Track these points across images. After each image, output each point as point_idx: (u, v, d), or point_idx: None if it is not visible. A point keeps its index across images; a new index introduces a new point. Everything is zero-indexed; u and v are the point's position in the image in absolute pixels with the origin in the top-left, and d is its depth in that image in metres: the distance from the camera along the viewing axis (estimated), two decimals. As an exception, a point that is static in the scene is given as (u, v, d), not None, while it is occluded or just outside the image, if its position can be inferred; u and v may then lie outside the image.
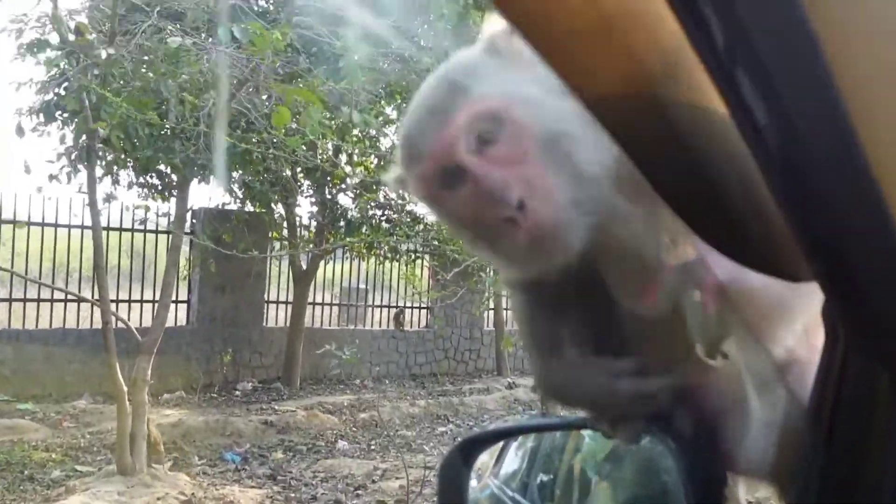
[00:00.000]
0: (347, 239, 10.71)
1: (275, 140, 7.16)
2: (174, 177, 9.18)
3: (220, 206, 11.43)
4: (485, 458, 1.40)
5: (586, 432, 1.30)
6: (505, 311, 13.78)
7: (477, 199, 0.92)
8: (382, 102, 9.97)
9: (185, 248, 10.97)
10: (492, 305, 13.90)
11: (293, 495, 7.34)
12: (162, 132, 7.47)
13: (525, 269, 0.99)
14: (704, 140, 0.70)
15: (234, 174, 9.91)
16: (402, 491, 6.77)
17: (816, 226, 0.65)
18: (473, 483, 1.33)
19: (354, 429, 10.03)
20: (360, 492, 7.48)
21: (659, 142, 0.71)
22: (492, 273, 7.80)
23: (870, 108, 0.59)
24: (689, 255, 0.94)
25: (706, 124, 0.68)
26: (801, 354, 0.93)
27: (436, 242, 8.56)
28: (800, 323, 0.94)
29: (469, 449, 1.07)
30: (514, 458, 1.40)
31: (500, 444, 1.40)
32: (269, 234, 12.09)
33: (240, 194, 11.22)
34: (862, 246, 0.65)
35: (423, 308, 14.33)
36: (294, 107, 5.97)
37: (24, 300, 10.96)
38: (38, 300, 10.97)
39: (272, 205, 11.35)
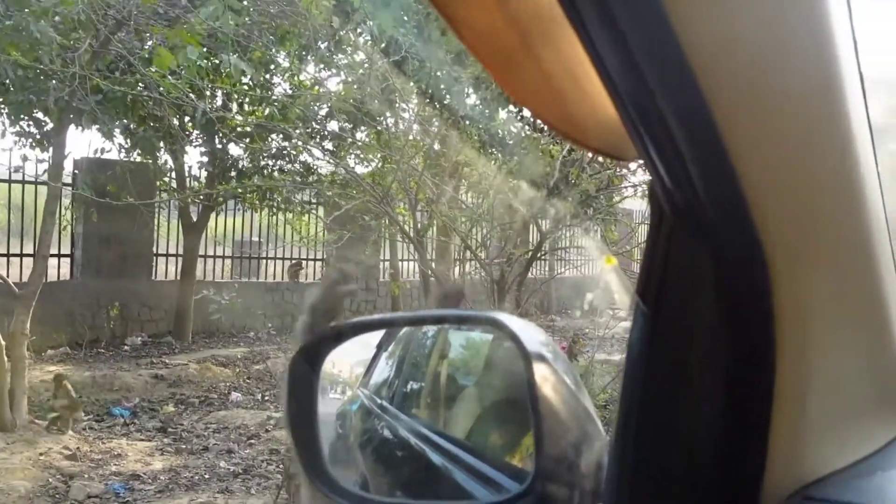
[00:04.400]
0: (235, 186, 10.46)
1: (160, 87, 6.91)
2: (51, 123, 8.79)
3: (100, 155, 10.97)
4: (356, 369, 1.40)
5: (452, 337, 1.31)
6: (400, 262, 13.79)
7: None
8: (273, 50, 9.73)
9: (67, 200, 10.58)
10: (387, 256, 13.89)
11: (184, 447, 7.25)
12: (36, 75, 7.11)
13: None
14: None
15: (117, 121, 9.53)
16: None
17: (642, 109, 0.66)
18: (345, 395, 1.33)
19: (248, 380, 9.94)
20: (252, 441, 7.44)
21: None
22: (386, 220, 7.79)
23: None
24: None
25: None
26: None
27: (329, 193, 8.48)
28: None
29: (314, 351, 1.06)
30: (384, 367, 1.40)
31: (371, 355, 1.40)
32: (156, 184, 11.72)
33: (123, 142, 10.80)
34: (684, 128, 0.67)
35: (319, 260, 14.22)
36: (174, 50, 5.76)
37: None
38: None
39: (158, 153, 11.00)
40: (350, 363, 1.37)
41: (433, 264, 6.93)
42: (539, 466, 0.91)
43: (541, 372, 0.93)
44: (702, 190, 0.71)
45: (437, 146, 6.30)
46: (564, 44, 0.64)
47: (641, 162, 0.72)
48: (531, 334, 0.97)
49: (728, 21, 0.64)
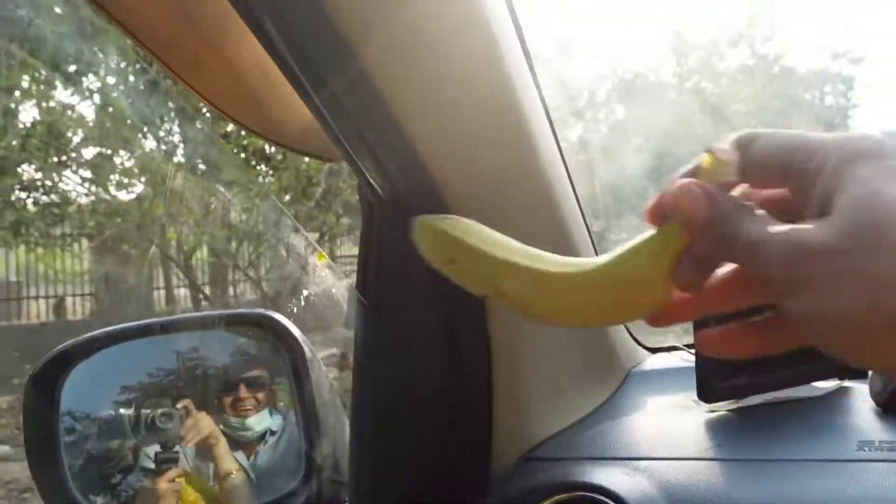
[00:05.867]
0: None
1: None
2: None
3: None
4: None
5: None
6: (176, 289, 13.29)
7: None
8: (15, 73, 9.09)
9: None
10: (161, 283, 13.33)
11: (-54, 512, 6.63)
12: None
13: None
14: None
15: None
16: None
17: (330, 113, 0.69)
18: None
19: (17, 431, 9.22)
20: (26, 495, 6.91)
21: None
22: (154, 248, 7.49)
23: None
24: None
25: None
26: None
27: (91, 224, 8.05)
28: None
29: (47, 378, 1.02)
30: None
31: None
32: None
33: None
34: (372, 127, 0.70)
35: (88, 295, 13.44)
36: None
37: None
38: None
39: None
40: None
41: (206, 287, 6.74)
42: (309, 464, 0.93)
43: (316, 368, 0.95)
44: (399, 182, 0.75)
45: (201, 165, 6.15)
46: (254, 46, 0.65)
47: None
48: (300, 333, 0.98)
49: (396, 26, 0.67)
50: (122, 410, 1.13)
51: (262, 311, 1.03)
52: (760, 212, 0.47)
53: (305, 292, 0.94)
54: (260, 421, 1.10)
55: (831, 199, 0.46)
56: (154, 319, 1.21)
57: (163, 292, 13.66)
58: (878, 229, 0.44)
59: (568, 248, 0.91)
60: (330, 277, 0.94)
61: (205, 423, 1.08)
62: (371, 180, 0.75)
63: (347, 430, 1.02)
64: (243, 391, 1.09)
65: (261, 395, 1.10)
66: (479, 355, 0.84)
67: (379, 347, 0.83)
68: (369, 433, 0.85)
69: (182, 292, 13.43)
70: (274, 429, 1.10)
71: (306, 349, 0.97)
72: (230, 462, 1.08)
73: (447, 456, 0.86)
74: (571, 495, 0.74)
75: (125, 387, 1.11)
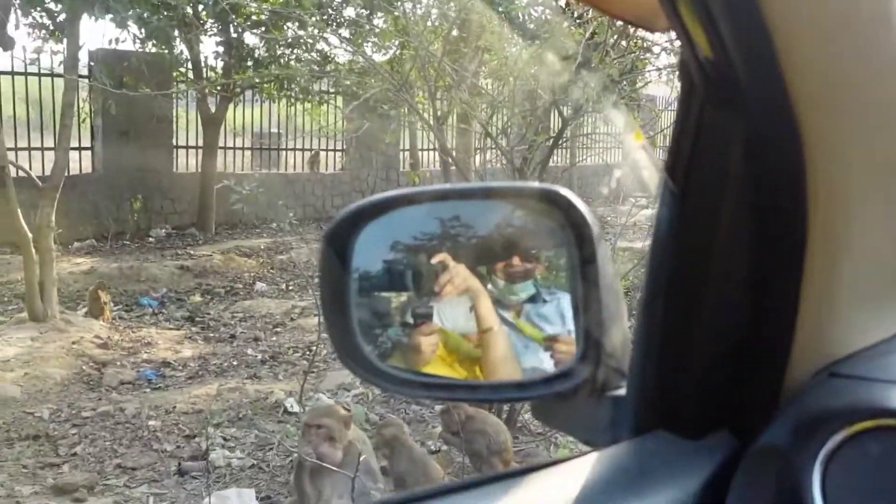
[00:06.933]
0: (252, 75, 10.36)
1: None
2: (63, 14, 8.66)
3: (115, 46, 10.81)
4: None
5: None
6: (420, 151, 13.73)
7: None
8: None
9: (84, 93, 10.52)
10: (406, 145, 13.82)
11: (212, 335, 7.40)
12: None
13: None
14: None
15: (129, 10, 9.35)
16: (321, 326, 6.88)
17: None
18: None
19: (272, 271, 10.06)
20: (278, 329, 7.57)
21: None
22: (405, 109, 7.68)
23: None
24: None
25: None
26: None
27: (347, 82, 8.35)
28: None
29: (339, 236, 1.05)
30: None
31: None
32: (172, 75, 11.59)
33: (138, 32, 10.61)
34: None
35: (339, 150, 14.17)
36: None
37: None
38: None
39: (173, 43, 10.83)
40: None
41: (454, 152, 6.86)
42: (587, 346, 0.90)
43: (602, 250, 0.91)
44: (737, 60, 0.68)
45: (455, 31, 6.16)
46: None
47: (671, 33, 0.69)
48: (589, 211, 0.94)
49: None
50: (393, 269, 1.15)
51: (550, 185, 0.99)
52: None
53: (618, 173, 0.89)
54: (524, 288, 1.08)
55: None
56: (447, 185, 1.22)
57: (406, 154, 14.18)
58: None
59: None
60: (643, 160, 0.89)
61: (462, 277, 1.07)
62: (700, 57, 0.68)
63: (625, 317, 0.98)
64: (513, 258, 1.07)
65: (529, 265, 1.07)
66: (792, 250, 0.76)
67: (681, 234, 0.78)
68: (660, 321, 0.81)
69: (426, 156, 13.86)
70: (538, 300, 1.08)
71: (594, 229, 0.92)
72: (493, 318, 1.07)
73: (740, 354, 0.80)
74: (890, 422, 0.66)
75: (398, 247, 1.12)
